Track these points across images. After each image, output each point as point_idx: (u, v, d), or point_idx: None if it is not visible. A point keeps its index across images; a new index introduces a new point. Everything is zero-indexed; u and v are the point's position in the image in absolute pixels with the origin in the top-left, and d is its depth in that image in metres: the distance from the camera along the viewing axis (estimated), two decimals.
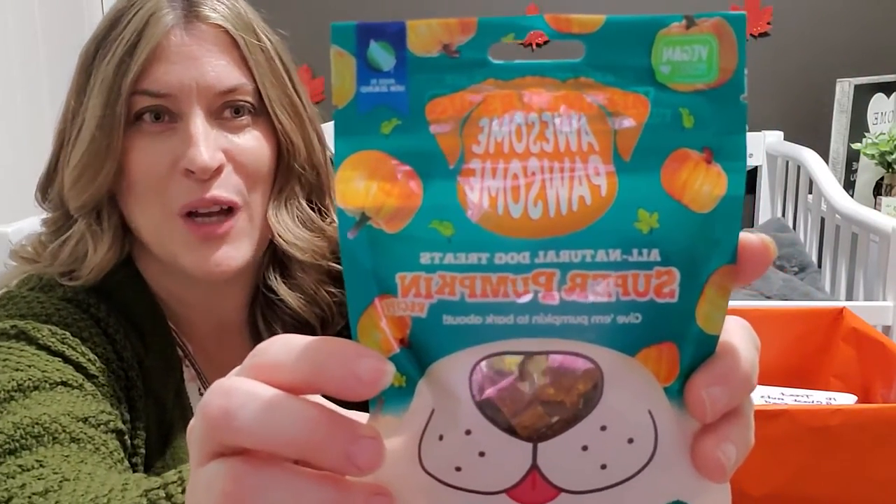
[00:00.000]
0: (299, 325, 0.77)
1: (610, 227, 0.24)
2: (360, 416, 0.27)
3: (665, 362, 0.25)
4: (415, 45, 0.24)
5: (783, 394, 0.87)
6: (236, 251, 0.69)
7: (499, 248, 0.24)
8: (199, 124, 0.66)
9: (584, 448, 0.25)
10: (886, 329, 1.45)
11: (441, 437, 0.25)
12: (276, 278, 0.76)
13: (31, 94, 1.94)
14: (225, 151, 0.68)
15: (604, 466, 0.25)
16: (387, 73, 0.24)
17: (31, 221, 1.46)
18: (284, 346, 0.26)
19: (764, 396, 0.87)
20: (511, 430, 0.25)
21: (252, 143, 0.69)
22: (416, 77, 0.24)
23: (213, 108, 0.68)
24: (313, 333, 0.73)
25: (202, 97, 0.67)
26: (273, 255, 0.76)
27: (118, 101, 0.66)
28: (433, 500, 0.26)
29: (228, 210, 0.68)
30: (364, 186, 0.24)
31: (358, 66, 0.24)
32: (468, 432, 0.25)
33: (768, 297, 1.67)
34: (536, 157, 0.24)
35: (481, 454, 0.25)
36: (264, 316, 0.78)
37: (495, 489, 0.26)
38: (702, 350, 0.25)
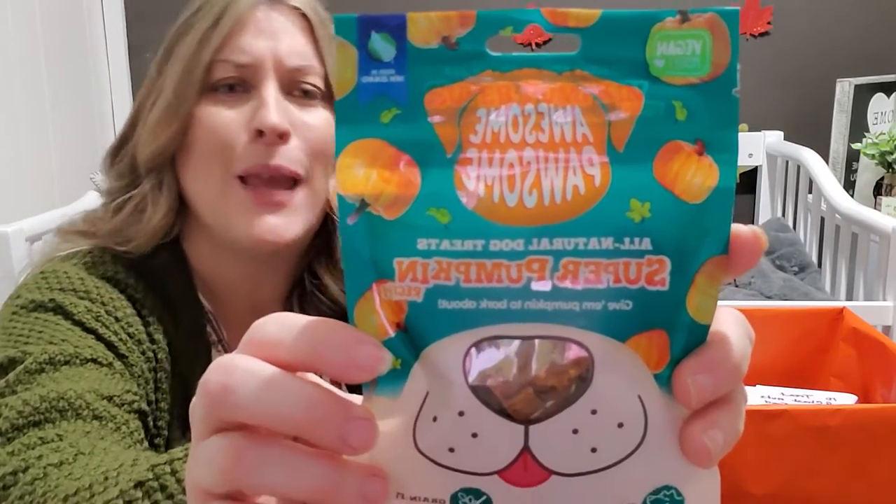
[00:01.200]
0: (335, 317, 0.78)
1: (603, 216, 0.25)
2: (353, 398, 0.27)
3: (655, 349, 0.26)
4: (415, 37, 0.25)
5: (783, 394, 0.87)
6: (289, 224, 0.71)
7: (494, 235, 0.25)
8: (272, 90, 0.70)
9: (575, 431, 0.26)
10: (886, 329, 1.45)
11: (435, 419, 0.26)
12: (323, 263, 0.79)
13: (31, 94, 1.94)
14: (293, 125, 0.71)
15: (594, 450, 0.26)
16: (387, 63, 0.25)
17: (31, 221, 1.46)
18: (283, 325, 0.27)
19: (764, 396, 0.87)
20: (503, 413, 0.26)
21: (319, 120, 0.73)
22: (415, 68, 0.25)
23: (285, 83, 0.72)
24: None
25: (277, 69, 0.71)
26: (325, 240, 0.78)
27: (197, 67, 0.70)
28: (427, 481, 0.26)
29: (291, 183, 0.71)
30: (364, 174, 0.25)
31: (360, 56, 0.25)
32: (461, 414, 0.26)
33: (768, 297, 1.67)
34: (532, 147, 0.25)
35: (474, 435, 0.26)
36: (301, 304, 0.80)
37: (488, 470, 0.26)
38: (692, 338, 0.26)
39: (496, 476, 0.26)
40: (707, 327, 0.26)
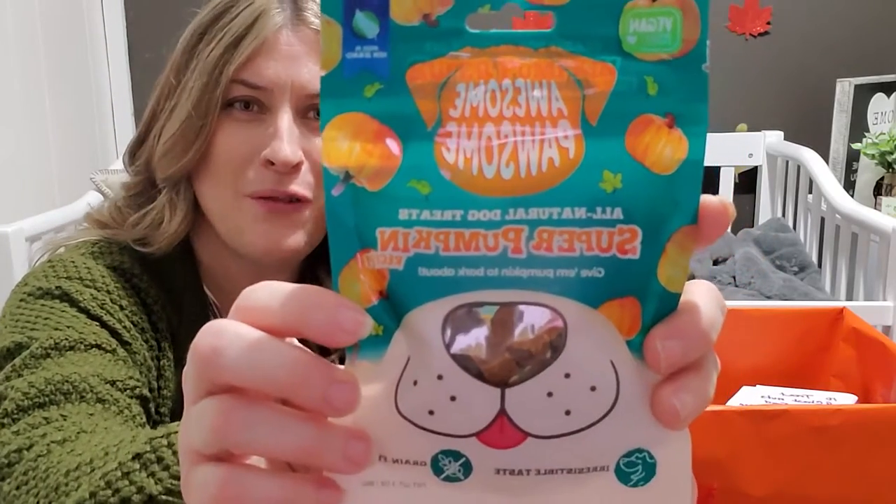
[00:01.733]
0: None
1: (576, 187, 0.25)
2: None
3: (627, 316, 0.27)
4: (397, 15, 0.25)
5: (783, 394, 0.87)
6: (295, 235, 0.74)
7: (472, 206, 0.26)
8: (286, 120, 0.71)
9: (549, 394, 0.27)
10: (886, 329, 1.45)
11: (415, 383, 0.27)
12: (325, 269, 0.81)
13: (31, 94, 1.94)
14: (304, 150, 0.73)
15: (568, 412, 0.27)
16: (370, 40, 0.26)
17: (31, 221, 1.46)
18: (270, 292, 0.27)
19: (764, 396, 0.87)
20: (481, 377, 0.27)
21: None
22: (397, 44, 0.26)
23: (301, 107, 0.73)
24: None
25: (294, 96, 0.72)
26: (326, 250, 0.78)
27: (218, 86, 0.71)
28: (408, 443, 0.27)
29: (298, 201, 0.73)
30: (347, 146, 0.26)
31: (344, 33, 0.26)
32: (440, 377, 0.27)
33: (768, 297, 1.67)
34: (509, 120, 0.25)
35: (452, 398, 0.27)
36: None
37: (466, 432, 0.27)
38: (663, 306, 0.27)
39: (474, 438, 0.27)
40: (678, 296, 0.27)
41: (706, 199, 0.26)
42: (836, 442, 0.70)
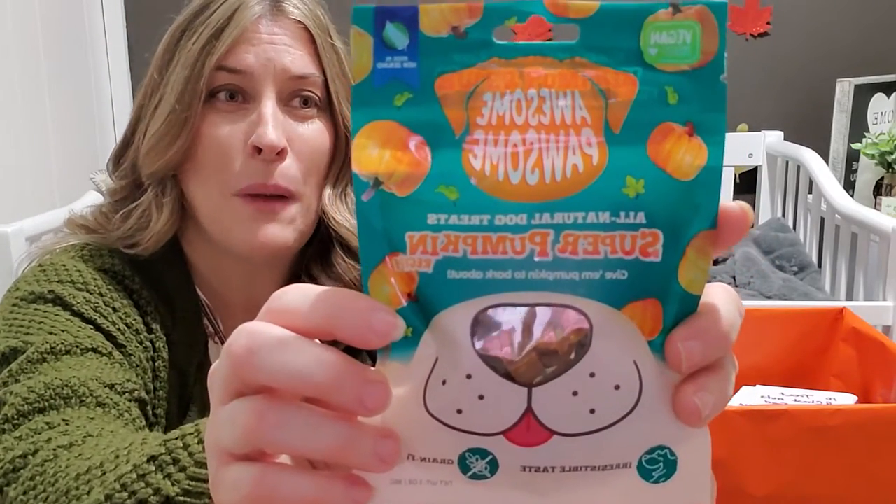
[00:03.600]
0: None
1: (600, 192, 0.26)
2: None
3: (649, 317, 0.27)
4: (426, 27, 0.27)
5: (783, 394, 0.87)
6: (284, 231, 0.74)
7: (499, 211, 0.27)
8: (269, 106, 0.72)
9: (575, 393, 0.28)
10: (886, 329, 1.45)
11: (444, 382, 0.28)
12: (319, 267, 0.81)
13: (31, 94, 1.94)
14: (289, 139, 0.73)
15: (592, 411, 0.28)
16: (401, 51, 0.27)
17: (31, 221, 1.46)
18: (302, 294, 0.28)
19: (764, 396, 0.88)
20: (508, 376, 0.27)
21: (314, 133, 0.75)
22: (426, 55, 0.27)
23: (284, 93, 0.73)
24: None
25: (277, 79, 0.72)
26: (318, 246, 0.81)
27: (200, 77, 0.71)
28: (436, 441, 0.28)
29: (286, 197, 0.73)
30: (378, 153, 0.27)
31: (375, 44, 0.27)
32: (469, 377, 0.27)
33: (768, 297, 1.67)
34: (534, 128, 0.27)
35: (480, 397, 0.28)
36: None
37: (493, 431, 0.28)
38: (684, 308, 0.28)
39: (501, 436, 0.28)
40: (698, 297, 0.28)
41: (725, 204, 0.27)
42: (836, 442, 0.70)
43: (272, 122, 0.71)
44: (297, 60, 0.73)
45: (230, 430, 0.28)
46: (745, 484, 0.70)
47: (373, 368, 0.27)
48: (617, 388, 0.28)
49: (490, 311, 0.27)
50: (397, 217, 0.27)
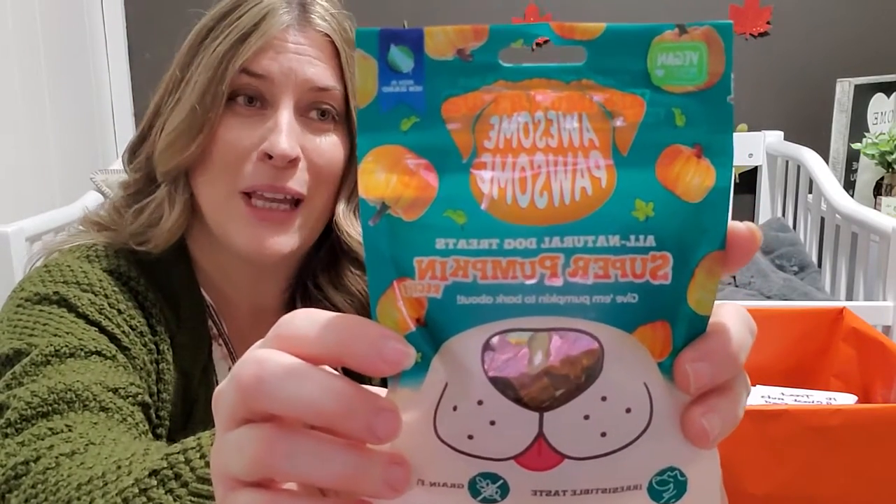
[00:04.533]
0: None
1: (610, 216, 0.26)
2: (372, 390, 0.29)
3: (659, 339, 0.27)
4: (432, 50, 0.26)
5: (783, 394, 0.87)
6: (288, 239, 0.73)
7: (508, 235, 0.26)
8: (286, 115, 0.72)
9: (586, 417, 0.27)
10: (886, 329, 1.45)
11: (455, 408, 0.27)
12: (327, 277, 0.81)
13: (31, 94, 1.94)
14: (303, 148, 0.72)
15: (604, 434, 0.28)
16: (406, 74, 0.26)
17: (31, 221, 1.46)
18: (310, 321, 0.28)
19: (764, 396, 0.88)
20: (519, 401, 0.27)
21: (329, 146, 0.74)
22: (432, 78, 0.26)
23: (303, 103, 0.73)
24: None
25: (297, 89, 0.72)
26: (327, 255, 0.81)
27: (223, 79, 0.71)
28: (446, 467, 0.28)
29: (294, 202, 0.73)
30: (384, 178, 0.26)
31: (380, 68, 0.26)
32: (480, 403, 0.27)
33: (768, 297, 1.68)
34: (542, 151, 0.26)
35: (492, 423, 0.27)
36: (304, 304, 0.82)
37: (504, 456, 0.28)
38: (693, 329, 0.27)
39: (512, 461, 0.28)
40: (706, 318, 0.27)
41: (734, 225, 0.27)
42: (836, 442, 0.70)
43: (287, 131, 0.71)
44: (320, 72, 0.73)
45: (238, 457, 0.28)
46: (745, 484, 0.70)
47: (383, 396, 0.27)
48: (628, 410, 0.27)
49: (501, 337, 0.27)
50: (405, 242, 0.26)
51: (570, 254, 0.26)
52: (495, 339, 0.27)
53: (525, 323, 0.27)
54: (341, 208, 0.77)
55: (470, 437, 0.27)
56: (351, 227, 0.77)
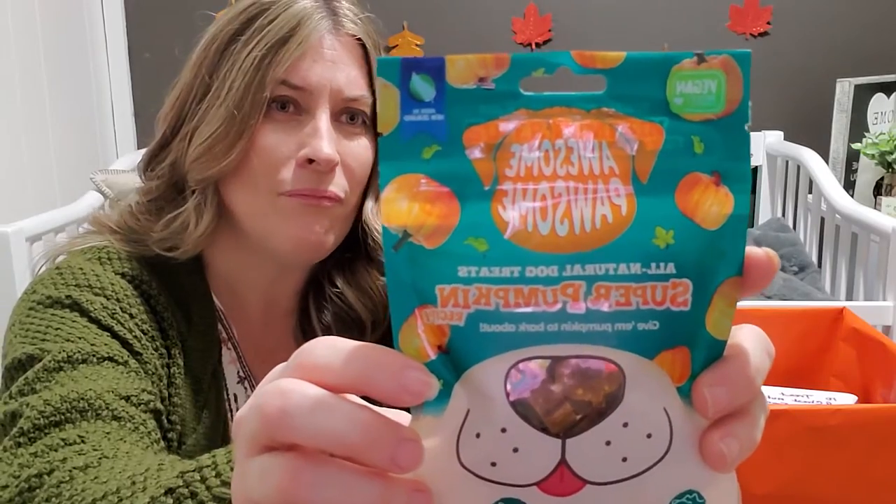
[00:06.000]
0: (350, 322, 0.82)
1: (631, 243, 0.26)
2: (391, 413, 0.29)
3: (679, 364, 0.28)
4: (453, 78, 0.27)
5: (783, 394, 0.87)
6: (328, 231, 0.74)
7: (529, 262, 0.26)
8: (325, 120, 0.72)
9: (608, 443, 0.28)
10: (886, 329, 1.45)
11: (478, 435, 0.28)
12: (343, 276, 0.82)
13: (31, 94, 1.94)
14: (339, 153, 0.73)
15: (625, 459, 0.28)
16: (427, 103, 0.27)
17: (31, 221, 1.46)
18: (332, 350, 0.28)
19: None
20: (542, 428, 0.27)
21: (361, 149, 0.76)
22: (454, 107, 0.27)
23: (336, 110, 0.74)
24: (362, 329, 0.82)
25: (332, 98, 0.73)
26: (342, 253, 0.81)
27: (263, 87, 0.71)
28: (469, 493, 0.28)
29: (334, 200, 0.74)
30: (406, 206, 0.27)
31: (401, 96, 0.27)
32: (503, 430, 0.27)
33: (768, 297, 1.68)
34: (563, 179, 0.27)
35: (515, 450, 0.28)
36: (317, 307, 0.83)
37: (527, 482, 0.28)
38: (711, 353, 0.28)
39: (535, 487, 0.28)
40: (724, 343, 0.28)
41: (751, 251, 0.27)
42: (836, 442, 0.70)
43: (327, 137, 0.71)
44: (353, 80, 0.74)
45: (261, 485, 0.28)
46: (745, 483, 0.70)
47: (406, 426, 0.27)
48: (649, 436, 0.28)
49: (523, 365, 0.27)
50: (427, 270, 0.27)
51: (592, 281, 0.27)
52: (518, 367, 0.27)
53: (547, 350, 0.27)
54: (370, 206, 0.78)
55: (493, 463, 0.28)
56: (380, 225, 0.77)
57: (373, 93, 0.75)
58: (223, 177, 0.74)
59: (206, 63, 0.74)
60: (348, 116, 0.75)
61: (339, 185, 0.73)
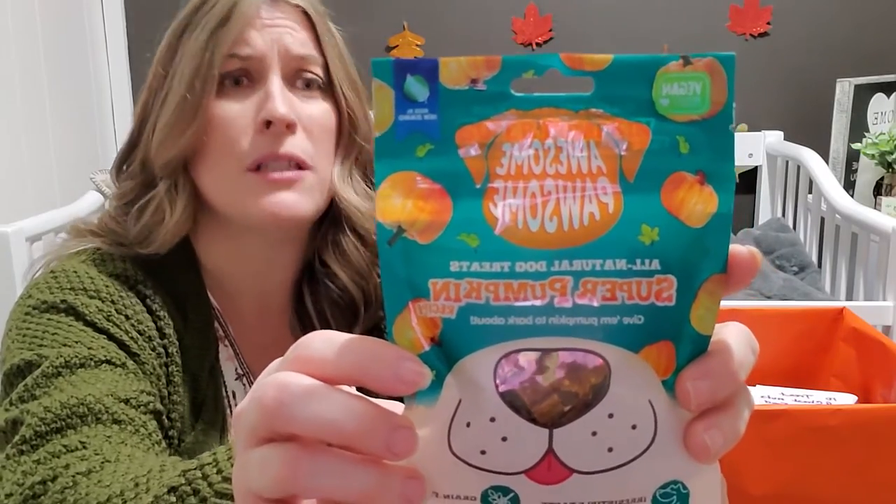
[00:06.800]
0: (344, 306, 0.83)
1: (617, 240, 0.27)
2: (386, 404, 0.30)
3: (663, 358, 0.28)
4: (446, 79, 0.28)
5: (783, 394, 0.87)
6: (302, 200, 0.74)
7: (519, 258, 0.27)
8: (276, 82, 0.73)
9: (594, 433, 0.28)
10: (886, 329, 1.45)
11: (468, 424, 0.29)
12: (332, 253, 0.81)
13: (31, 94, 1.94)
14: (297, 117, 0.74)
15: (610, 449, 0.29)
16: (421, 103, 0.28)
17: (31, 221, 1.46)
18: (328, 343, 0.29)
19: (764, 396, 0.88)
20: (531, 418, 0.28)
21: (321, 112, 0.76)
22: (447, 107, 0.28)
23: (289, 74, 0.75)
24: (356, 314, 0.82)
25: (281, 59, 0.74)
26: (329, 229, 0.81)
27: (211, 65, 0.72)
28: (460, 481, 0.29)
29: (300, 168, 0.74)
30: (400, 203, 0.27)
31: (396, 97, 0.28)
32: (493, 419, 0.28)
33: (768, 297, 1.68)
34: (552, 177, 0.27)
35: (504, 439, 0.28)
36: (312, 293, 0.83)
37: (515, 470, 0.29)
38: (695, 348, 0.29)
39: (523, 475, 0.29)
40: (708, 338, 0.29)
41: (735, 248, 0.28)
42: (836, 442, 0.70)
43: (280, 97, 0.72)
44: (299, 40, 0.75)
45: (261, 475, 0.29)
46: (745, 484, 0.70)
47: (400, 414, 0.28)
48: (634, 427, 0.29)
49: (512, 356, 0.28)
50: (420, 264, 0.27)
51: (579, 276, 0.27)
52: (507, 359, 0.28)
53: (535, 343, 0.28)
54: (336, 171, 0.78)
55: (482, 452, 0.29)
56: (347, 191, 0.77)
57: (322, 55, 0.76)
58: (189, 159, 0.74)
59: (160, 59, 0.76)
60: (304, 83, 0.75)
61: (300, 147, 0.73)
